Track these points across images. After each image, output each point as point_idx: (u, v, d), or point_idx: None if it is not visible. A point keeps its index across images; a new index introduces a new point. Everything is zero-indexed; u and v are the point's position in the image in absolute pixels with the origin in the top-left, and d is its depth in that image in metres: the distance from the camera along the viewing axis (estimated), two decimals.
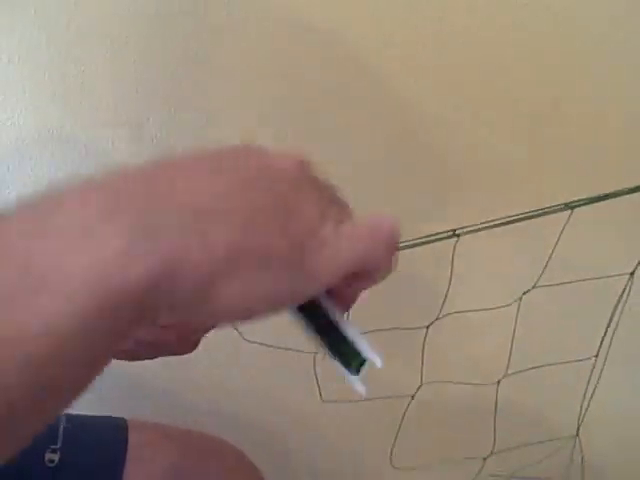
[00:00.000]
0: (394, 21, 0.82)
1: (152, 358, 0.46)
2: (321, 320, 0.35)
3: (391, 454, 0.70)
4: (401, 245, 0.41)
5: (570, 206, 0.44)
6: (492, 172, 0.90)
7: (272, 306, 0.29)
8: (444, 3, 0.82)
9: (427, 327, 0.56)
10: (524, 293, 0.58)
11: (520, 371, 0.64)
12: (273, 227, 0.27)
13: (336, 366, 0.35)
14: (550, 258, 0.55)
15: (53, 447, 0.61)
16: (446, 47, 0.84)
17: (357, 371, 0.35)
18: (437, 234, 0.43)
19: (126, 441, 0.64)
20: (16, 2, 0.77)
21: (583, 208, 0.44)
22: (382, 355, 0.33)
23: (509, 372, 0.64)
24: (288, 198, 0.29)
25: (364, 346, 0.35)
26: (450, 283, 0.55)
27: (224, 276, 0.26)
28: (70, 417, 0.65)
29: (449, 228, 0.45)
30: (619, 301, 0.59)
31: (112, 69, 0.80)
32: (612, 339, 0.63)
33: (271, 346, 0.53)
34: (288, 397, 0.99)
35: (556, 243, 0.52)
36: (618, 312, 0.60)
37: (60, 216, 0.24)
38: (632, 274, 0.59)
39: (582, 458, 0.76)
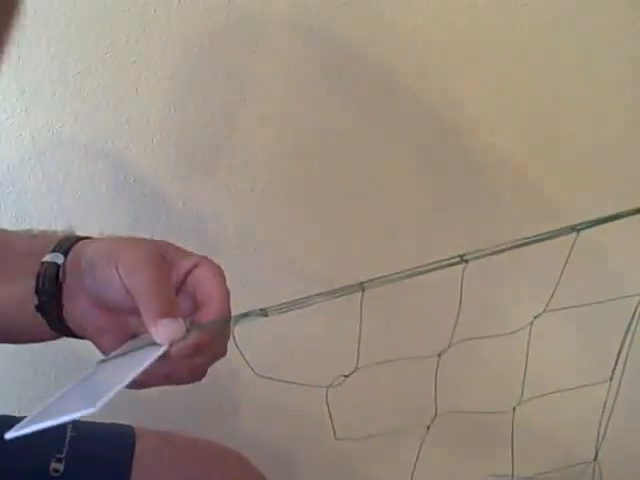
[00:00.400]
0: (394, 20, 0.82)
1: (162, 385, 0.46)
2: None
3: None
4: (409, 273, 0.41)
5: (576, 229, 0.44)
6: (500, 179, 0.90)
7: None
8: (440, 7, 0.82)
9: (439, 355, 0.56)
10: (535, 317, 0.58)
11: (535, 397, 0.63)
12: None
13: None
14: (559, 282, 0.55)
15: (58, 456, 0.60)
16: (446, 46, 0.84)
17: None
18: (444, 260, 0.42)
19: (132, 449, 0.63)
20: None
21: (590, 230, 0.44)
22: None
23: (524, 398, 0.63)
24: None
25: None
26: (460, 309, 0.54)
27: None
28: (76, 425, 0.64)
29: (453, 247, 0.44)
30: (631, 322, 0.58)
31: (112, 69, 0.80)
32: (626, 361, 0.63)
33: (284, 381, 0.53)
34: (292, 403, 0.99)
35: (564, 266, 0.52)
36: (631, 333, 0.60)
37: None
38: None
39: None
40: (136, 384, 0.43)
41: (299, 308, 0.41)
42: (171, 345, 0.41)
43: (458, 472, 1.03)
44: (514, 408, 0.63)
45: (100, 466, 0.62)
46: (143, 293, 0.41)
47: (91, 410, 0.35)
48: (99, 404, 0.35)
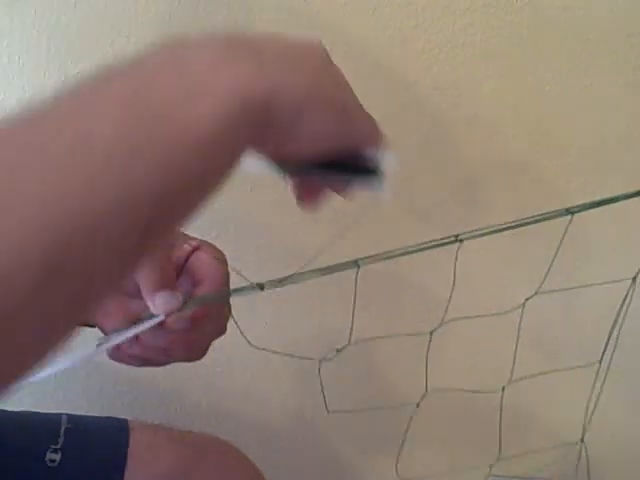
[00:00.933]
0: (394, 19, 0.82)
1: (162, 365, 0.47)
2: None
3: (397, 463, 0.70)
4: (403, 251, 0.42)
5: (570, 211, 0.44)
6: (497, 170, 0.90)
7: (329, 141, 0.36)
8: (440, 7, 0.82)
9: (431, 333, 0.56)
10: (527, 299, 0.58)
11: (524, 378, 0.63)
12: (337, 82, 0.39)
13: (360, 184, 0.39)
14: (552, 264, 0.55)
15: (54, 447, 0.61)
16: (445, 45, 0.84)
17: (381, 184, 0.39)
18: (439, 240, 0.42)
19: (127, 442, 0.64)
20: (16, 2, 0.77)
21: (584, 213, 0.44)
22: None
23: (513, 379, 0.64)
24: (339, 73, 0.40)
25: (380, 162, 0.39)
26: (453, 289, 0.55)
27: (305, 109, 0.34)
28: (72, 417, 0.65)
29: (449, 229, 0.45)
30: (622, 306, 0.58)
31: None
32: (616, 345, 0.63)
33: (278, 352, 0.53)
34: (289, 397, 0.99)
35: (557, 249, 0.52)
36: (621, 317, 0.60)
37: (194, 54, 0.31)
38: (634, 279, 0.58)
39: (588, 464, 0.76)
40: (138, 360, 0.44)
41: (294, 283, 0.42)
42: (167, 316, 0.42)
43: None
44: (503, 388, 0.63)
45: (96, 456, 0.63)
46: (143, 267, 0.42)
47: (91, 350, 0.36)
48: (100, 348, 0.36)
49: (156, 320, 0.42)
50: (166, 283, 0.43)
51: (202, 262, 0.46)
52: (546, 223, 0.44)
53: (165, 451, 0.65)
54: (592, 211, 0.45)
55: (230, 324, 0.50)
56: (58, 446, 0.61)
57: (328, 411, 0.58)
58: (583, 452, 0.72)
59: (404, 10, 0.82)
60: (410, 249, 0.42)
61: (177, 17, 0.79)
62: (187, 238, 0.47)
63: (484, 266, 0.92)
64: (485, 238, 0.43)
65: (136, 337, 0.43)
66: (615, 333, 0.61)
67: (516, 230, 0.44)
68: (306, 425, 1.01)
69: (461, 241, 0.43)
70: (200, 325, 0.45)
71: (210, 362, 0.95)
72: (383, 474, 1.02)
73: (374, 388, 0.99)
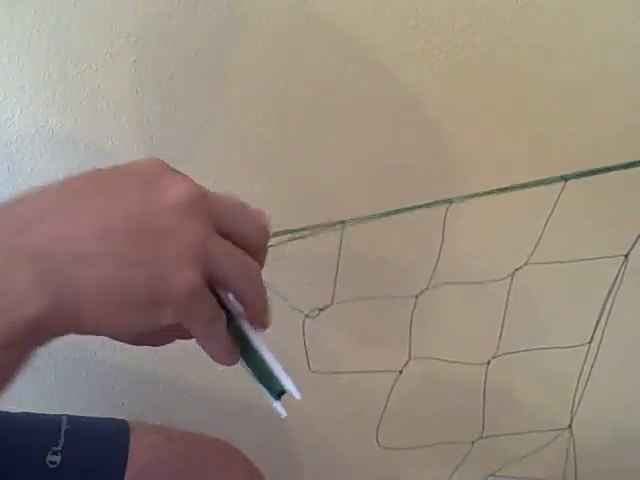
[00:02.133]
0: (394, 19, 0.82)
1: (167, 343, 0.45)
2: (246, 345, 0.38)
3: (377, 432, 0.69)
4: (392, 211, 0.41)
5: (564, 177, 0.44)
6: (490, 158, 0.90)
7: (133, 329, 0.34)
8: (440, 7, 0.82)
9: (416, 296, 0.55)
10: (516, 269, 0.57)
11: (510, 352, 0.62)
12: (138, 270, 0.32)
13: (259, 389, 0.39)
14: (543, 233, 0.55)
15: (54, 449, 0.61)
16: (445, 45, 0.84)
17: (278, 397, 0.38)
18: (430, 203, 0.42)
19: (127, 443, 0.64)
20: (16, 2, 0.76)
21: (578, 187, 0.44)
22: (298, 387, 0.37)
23: (499, 353, 0.62)
24: (164, 234, 0.33)
25: (283, 377, 0.38)
26: (440, 251, 0.54)
27: (91, 312, 0.31)
28: (72, 419, 0.65)
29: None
30: (614, 284, 0.58)
31: (112, 69, 0.80)
32: (606, 324, 0.62)
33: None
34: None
35: (549, 215, 0.52)
36: (612, 296, 0.59)
37: None
38: (626, 256, 0.58)
39: (574, 451, 0.75)
40: (142, 338, 0.41)
41: (281, 243, 0.41)
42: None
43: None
44: (488, 362, 0.62)
45: (96, 457, 0.63)
46: None
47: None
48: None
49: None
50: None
51: None
52: (541, 194, 0.44)
53: (165, 451, 0.65)
54: (584, 185, 0.44)
55: None
56: (58, 448, 0.61)
57: (310, 370, 0.57)
58: (571, 440, 0.72)
59: (404, 10, 0.82)
60: (398, 209, 0.41)
61: (177, 17, 0.79)
62: None
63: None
64: (478, 208, 0.42)
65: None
66: (606, 313, 0.60)
67: (509, 199, 0.43)
68: (306, 425, 1.01)
69: (450, 201, 0.42)
70: None
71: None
72: (384, 473, 1.02)
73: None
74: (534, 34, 0.84)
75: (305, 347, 0.56)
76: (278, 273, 0.89)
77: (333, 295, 0.52)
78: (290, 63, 0.83)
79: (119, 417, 0.69)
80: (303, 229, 0.41)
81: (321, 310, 0.52)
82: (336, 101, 0.85)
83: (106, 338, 0.47)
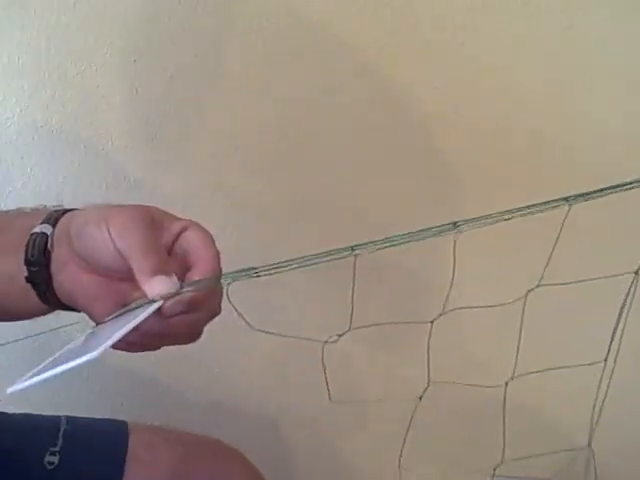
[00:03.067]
0: (393, 20, 0.82)
1: (156, 349, 0.46)
2: None
3: (400, 456, 0.70)
4: (400, 239, 0.41)
5: (569, 201, 0.44)
6: (492, 168, 0.90)
7: None
8: (440, 7, 0.82)
9: (431, 322, 0.56)
10: (528, 291, 0.57)
11: (527, 373, 0.62)
12: None
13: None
14: (551, 256, 0.55)
15: (53, 449, 0.61)
16: (444, 47, 0.84)
17: None
18: (436, 227, 0.42)
19: (126, 444, 0.64)
20: (16, 2, 0.76)
21: (584, 206, 0.44)
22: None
23: (517, 375, 0.63)
24: None
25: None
26: (453, 277, 0.54)
27: None
28: (71, 419, 0.65)
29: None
30: (625, 301, 0.58)
31: (112, 69, 0.80)
32: (620, 341, 0.62)
33: (281, 335, 0.52)
34: (289, 397, 0.99)
35: (557, 239, 0.52)
36: (625, 314, 0.59)
37: None
38: (637, 273, 0.58)
39: (595, 471, 0.75)
40: (134, 346, 0.43)
41: (291, 269, 0.41)
42: (165, 301, 0.41)
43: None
44: (506, 383, 0.62)
45: (94, 458, 0.62)
46: (136, 251, 0.41)
47: (93, 355, 0.35)
48: (100, 349, 0.35)
49: (155, 306, 0.41)
50: (161, 265, 0.42)
51: (192, 244, 0.45)
52: (547, 217, 0.43)
53: (164, 452, 0.65)
54: (592, 204, 0.44)
55: (226, 323, 0.49)
56: (57, 448, 0.61)
57: (330, 400, 0.57)
58: (591, 457, 0.71)
59: (404, 10, 0.82)
60: (408, 237, 0.41)
61: (177, 17, 0.79)
62: (173, 218, 0.46)
63: (485, 257, 0.91)
64: (486, 229, 0.42)
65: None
66: (619, 329, 0.60)
67: (518, 221, 0.43)
68: (306, 425, 1.01)
69: (458, 227, 0.42)
70: (196, 308, 0.44)
71: (210, 363, 0.95)
72: (383, 474, 1.02)
73: (376, 380, 0.98)
74: (534, 34, 0.84)
75: (325, 376, 0.56)
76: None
77: (350, 320, 0.52)
78: (291, 63, 0.83)
79: (118, 418, 0.69)
80: (314, 256, 0.41)
81: (340, 336, 0.53)
82: (336, 101, 0.85)
83: None
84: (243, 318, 0.46)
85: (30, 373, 0.38)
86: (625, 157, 0.90)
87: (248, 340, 0.89)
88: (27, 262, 0.44)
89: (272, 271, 0.41)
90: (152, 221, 0.44)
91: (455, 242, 0.44)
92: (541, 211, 0.44)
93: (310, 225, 0.90)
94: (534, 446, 0.90)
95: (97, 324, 0.44)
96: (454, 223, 0.43)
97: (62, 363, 0.37)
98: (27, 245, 0.44)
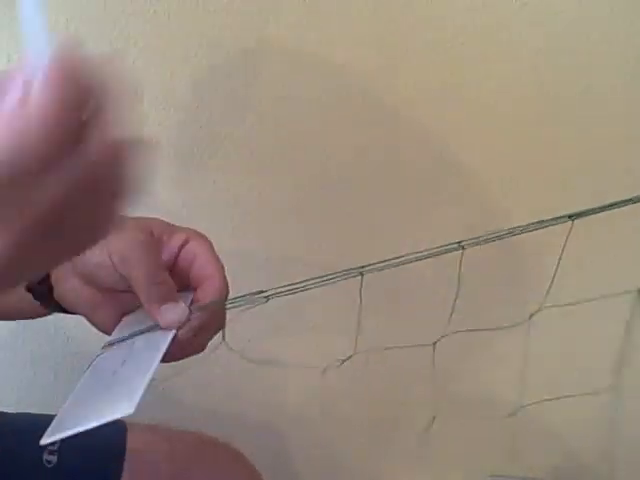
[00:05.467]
0: (393, 20, 0.82)
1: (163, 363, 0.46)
2: None
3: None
4: (405, 259, 0.41)
5: (572, 217, 0.44)
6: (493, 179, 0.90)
7: None
8: (440, 6, 0.82)
9: (434, 344, 0.56)
10: (531, 315, 0.57)
11: (533, 403, 0.62)
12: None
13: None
14: (554, 278, 0.55)
15: (51, 448, 0.61)
16: (442, 49, 0.84)
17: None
18: (441, 246, 0.42)
19: (125, 442, 0.64)
20: (16, 2, 0.76)
21: (587, 224, 0.43)
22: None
23: (524, 403, 0.62)
24: None
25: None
26: (456, 297, 0.54)
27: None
28: None
29: (451, 236, 0.44)
30: (630, 320, 0.57)
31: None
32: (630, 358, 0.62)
33: (280, 365, 0.53)
34: (289, 398, 0.99)
35: (559, 259, 0.52)
36: (630, 332, 0.59)
37: None
38: None
39: None
40: None
41: (300, 291, 0.41)
42: (178, 329, 0.41)
43: (458, 471, 1.03)
44: (514, 413, 0.62)
45: (93, 457, 0.62)
46: (141, 280, 0.41)
47: (129, 411, 0.35)
48: (134, 402, 0.35)
49: (171, 336, 0.41)
50: (168, 293, 0.41)
51: (197, 258, 0.44)
52: (549, 235, 0.43)
53: (163, 451, 0.65)
54: (594, 223, 0.44)
55: (228, 331, 0.49)
56: (55, 447, 0.61)
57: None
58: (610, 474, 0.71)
59: (404, 10, 0.82)
60: (414, 257, 0.41)
61: (177, 17, 0.79)
62: (173, 231, 0.45)
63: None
64: (488, 247, 0.43)
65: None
66: (627, 348, 0.59)
67: (517, 240, 0.43)
68: (306, 425, 1.01)
69: (464, 248, 0.42)
70: (205, 328, 0.44)
71: (210, 362, 0.94)
72: (382, 474, 1.02)
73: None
74: (534, 34, 0.84)
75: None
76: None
77: (355, 344, 0.52)
78: (290, 63, 0.83)
79: None
80: (321, 277, 0.41)
81: (343, 361, 0.53)
82: (336, 101, 0.85)
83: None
84: (241, 355, 0.46)
85: (60, 415, 0.37)
86: (625, 157, 0.90)
87: (248, 344, 0.89)
88: None
89: (281, 294, 0.42)
90: (153, 240, 0.43)
91: (461, 262, 0.44)
92: (543, 227, 0.44)
93: (311, 225, 0.90)
94: (545, 467, 0.86)
95: (104, 345, 0.44)
96: (459, 243, 0.43)
97: (98, 410, 0.36)
98: None
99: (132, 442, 0.64)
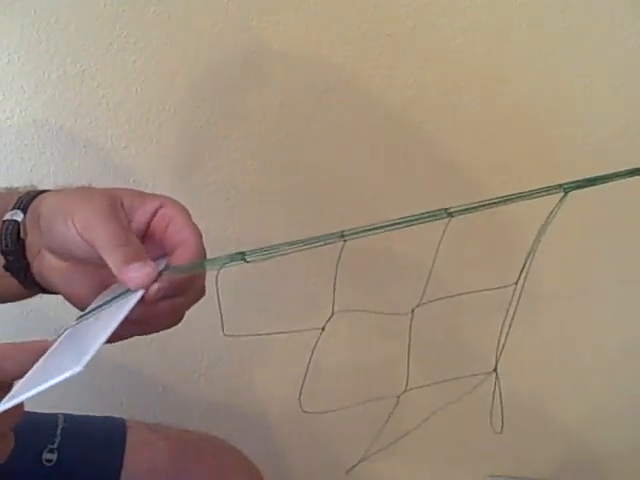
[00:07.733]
0: (393, 20, 0.82)
1: (139, 335, 0.43)
2: None
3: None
4: (392, 224, 0.40)
5: (564, 188, 0.42)
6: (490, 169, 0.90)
7: None
8: (439, 7, 0.82)
9: (412, 311, 0.55)
10: (515, 282, 0.56)
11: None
12: None
13: None
14: (535, 246, 0.54)
15: (51, 447, 0.61)
16: (440, 49, 0.84)
17: None
18: (429, 212, 0.41)
19: (124, 441, 0.64)
20: (16, 2, 0.77)
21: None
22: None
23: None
24: None
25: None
26: (433, 265, 0.53)
27: None
28: (68, 417, 0.65)
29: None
30: (543, 227, 0.56)
31: (112, 69, 0.80)
32: (530, 266, 0.61)
33: (260, 334, 0.52)
34: (289, 397, 0.99)
35: (544, 228, 0.51)
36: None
37: None
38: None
39: (500, 395, 0.74)
40: (115, 336, 0.41)
41: (280, 255, 0.39)
42: (146, 289, 0.39)
43: (458, 471, 1.03)
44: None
45: (93, 455, 0.62)
46: (105, 245, 0.39)
47: (77, 369, 0.34)
48: (83, 362, 0.33)
49: (137, 296, 0.38)
50: (134, 252, 0.39)
51: (171, 222, 0.42)
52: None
53: (162, 450, 0.65)
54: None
55: (225, 321, 0.48)
56: (54, 446, 0.61)
57: (303, 411, 0.56)
58: (497, 383, 0.70)
59: (403, 10, 0.82)
60: (398, 222, 0.40)
61: (176, 17, 0.79)
62: (145, 197, 0.43)
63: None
64: (472, 217, 0.41)
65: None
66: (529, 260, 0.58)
67: (503, 214, 0.42)
68: (306, 425, 1.01)
69: (452, 215, 0.41)
70: (180, 292, 0.41)
71: (209, 362, 0.95)
72: (382, 474, 1.02)
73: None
74: (533, 33, 0.84)
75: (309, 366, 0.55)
76: (278, 284, 0.90)
77: (333, 306, 0.51)
78: (290, 64, 0.83)
79: (114, 415, 0.69)
80: (302, 241, 0.40)
81: (323, 329, 0.52)
82: (336, 102, 0.85)
83: None
84: (222, 320, 0.45)
85: (16, 386, 0.37)
86: (625, 157, 0.90)
87: (248, 338, 0.89)
88: (3, 252, 0.43)
89: (261, 256, 0.39)
90: (119, 208, 0.41)
91: (446, 229, 0.44)
92: (534, 197, 0.44)
93: (312, 226, 0.90)
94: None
95: (77, 318, 0.42)
96: (446, 209, 0.42)
97: (49, 374, 0.35)
98: (0, 234, 0.43)
99: (132, 440, 0.64)
